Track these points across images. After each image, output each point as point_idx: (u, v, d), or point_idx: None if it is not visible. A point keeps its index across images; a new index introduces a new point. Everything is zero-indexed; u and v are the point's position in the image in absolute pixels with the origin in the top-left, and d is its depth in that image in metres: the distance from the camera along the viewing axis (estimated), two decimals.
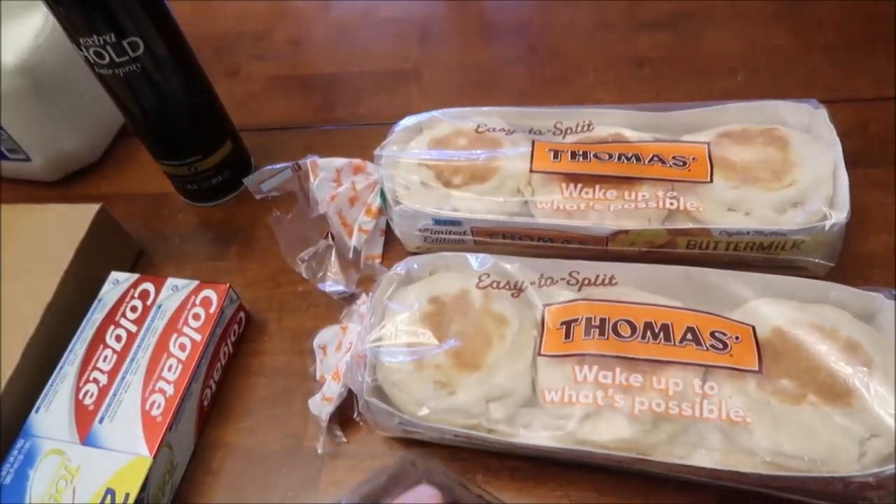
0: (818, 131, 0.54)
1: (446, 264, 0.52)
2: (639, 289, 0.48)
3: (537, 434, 0.43)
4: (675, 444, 0.42)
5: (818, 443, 0.39)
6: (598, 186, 0.52)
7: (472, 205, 0.54)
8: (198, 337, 0.52)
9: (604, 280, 0.48)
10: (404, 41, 0.79)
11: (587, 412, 0.42)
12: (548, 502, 0.45)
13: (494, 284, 0.48)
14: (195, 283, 0.55)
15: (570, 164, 0.53)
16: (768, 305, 0.45)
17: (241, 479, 0.50)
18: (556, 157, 0.54)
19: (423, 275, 0.52)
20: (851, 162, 0.57)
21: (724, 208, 0.51)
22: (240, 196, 0.67)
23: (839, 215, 0.48)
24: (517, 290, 0.48)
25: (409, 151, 0.57)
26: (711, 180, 0.51)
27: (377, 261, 0.59)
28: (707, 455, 0.41)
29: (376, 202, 0.58)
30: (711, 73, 0.68)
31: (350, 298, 0.55)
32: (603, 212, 0.52)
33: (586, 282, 0.48)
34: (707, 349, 0.43)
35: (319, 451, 0.49)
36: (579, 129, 0.57)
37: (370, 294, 0.50)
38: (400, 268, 0.51)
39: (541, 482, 0.46)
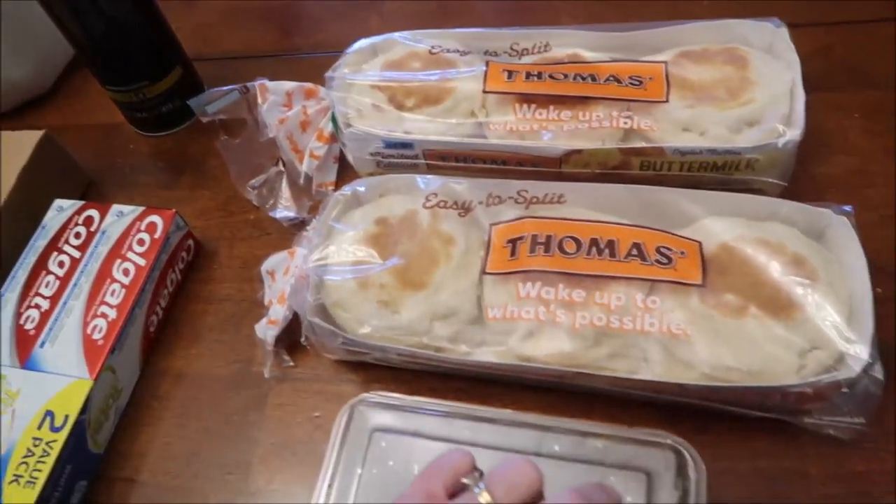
0: (779, 51, 0.52)
1: (396, 186, 0.51)
2: (589, 208, 0.47)
3: (480, 350, 0.43)
4: (617, 358, 0.41)
5: (758, 355, 0.39)
6: (552, 107, 0.51)
7: (424, 127, 0.53)
8: (142, 262, 0.51)
9: (552, 198, 0.47)
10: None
11: (530, 328, 0.42)
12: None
13: (441, 204, 0.47)
14: (141, 209, 0.54)
15: (524, 85, 0.52)
16: (717, 222, 0.45)
17: (187, 403, 0.49)
18: (510, 77, 0.52)
19: (373, 197, 0.51)
20: (814, 85, 0.55)
21: (679, 128, 0.50)
22: (193, 126, 0.65)
23: (793, 133, 0.47)
24: (465, 209, 0.47)
25: (361, 74, 0.56)
26: (667, 100, 0.50)
27: (330, 188, 0.58)
28: (648, 369, 0.41)
29: (328, 127, 0.57)
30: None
31: (301, 225, 0.54)
32: (557, 132, 0.50)
33: (534, 200, 0.47)
34: (652, 264, 0.42)
35: (266, 375, 0.49)
36: (536, 50, 0.55)
37: (315, 222, 0.49)
38: (346, 189, 0.50)
39: (486, 401, 0.45)
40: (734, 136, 0.49)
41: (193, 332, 0.53)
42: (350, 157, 0.56)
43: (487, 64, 0.54)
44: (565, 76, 0.52)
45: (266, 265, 0.51)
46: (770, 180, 0.49)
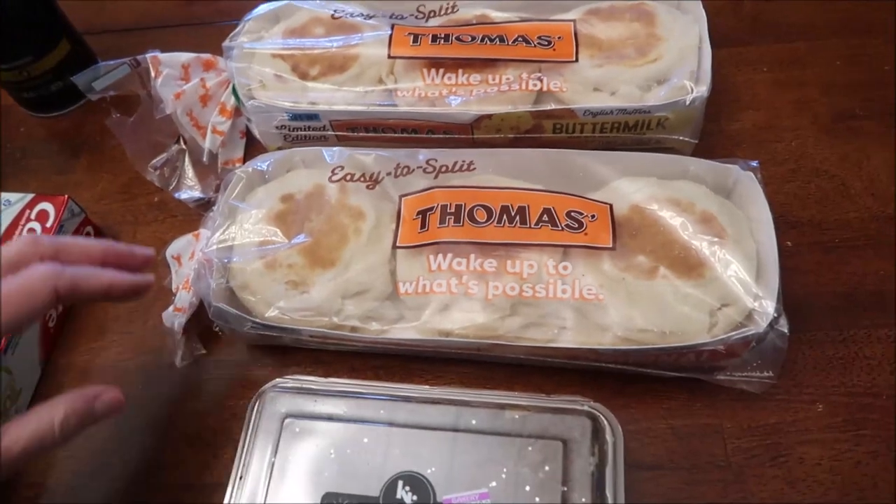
0: (686, 6, 0.52)
1: (302, 160, 0.49)
2: (500, 174, 0.46)
3: (393, 328, 0.42)
4: (533, 327, 0.41)
5: (669, 315, 0.39)
6: (460, 71, 0.50)
7: (330, 97, 0.51)
8: None
9: (462, 166, 0.45)
10: None
11: (444, 301, 0.41)
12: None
13: (349, 177, 0.46)
14: (30, 196, 0.50)
15: (431, 48, 0.50)
16: (629, 183, 0.44)
17: None
18: (416, 41, 0.50)
19: (278, 173, 0.48)
20: (724, 40, 0.56)
21: (589, 88, 0.49)
22: (89, 104, 0.61)
23: (700, 90, 0.46)
24: (373, 181, 0.46)
25: (261, 42, 0.53)
26: (577, 59, 0.49)
27: (238, 164, 0.55)
28: (564, 335, 0.41)
29: (231, 101, 0.54)
30: None
31: (208, 205, 0.52)
32: (467, 97, 0.49)
33: (444, 169, 0.46)
34: (562, 230, 0.41)
35: (178, 365, 0.47)
36: (443, 11, 0.54)
37: (220, 196, 0.47)
38: (248, 166, 0.47)
39: (407, 378, 0.45)
40: (644, 94, 0.48)
41: (98, 324, 0.50)
42: (256, 132, 0.54)
43: (392, 28, 0.51)
44: (473, 38, 0.50)
45: (171, 250, 0.48)
46: (681, 138, 0.49)
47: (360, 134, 0.51)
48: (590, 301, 0.40)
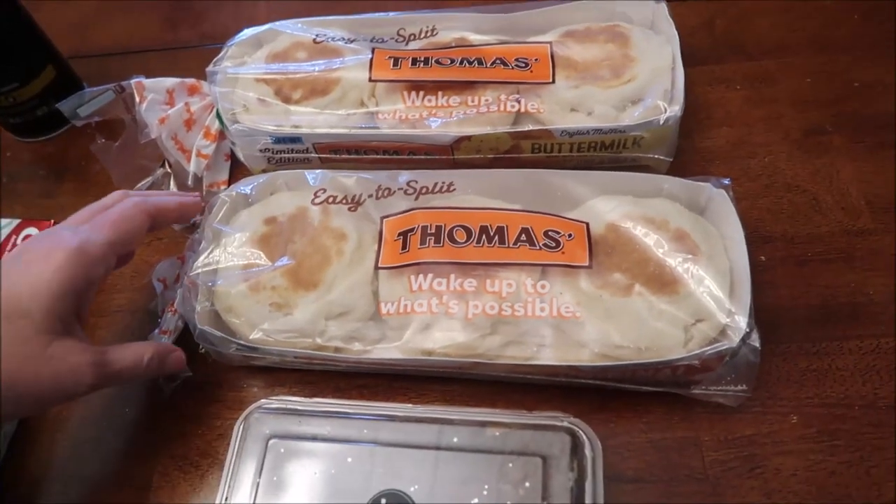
0: (660, 27, 0.53)
1: (285, 182, 0.49)
2: (479, 195, 0.47)
3: (376, 348, 0.42)
4: (513, 345, 0.42)
5: (645, 331, 0.40)
6: (440, 93, 0.51)
7: (312, 120, 0.51)
8: None
9: (441, 188, 0.46)
10: None
11: (425, 321, 0.42)
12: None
13: (331, 199, 0.46)
14: (16, 221, 0.51)
15: (411, 72, 0.51)
16: (604, 202, 0.45)
17: (81, 421, 0.47)
18: (396, 64, 0.51)
19: (262, 196, 0.49)
20: (698, 59, 0.57)
21: (566, 109, 0.50)
22: (74, 129, 0.62)
23: (673, 109, 0.48)
24: (355, 203, 0.46)
25: (245, 67, 0.54)
26: (553, 81, 0.50)
27: (223, 187, 0.56)
28: (543, 352, 0.41)
29: (215, 125, 0.55)
30: None
31: (193, 228, 0.52)
32: (446, 119, 0.50)
33: (424, 190, 0.46)
34: (540, 249, 0.42)
35: (163, 387, 0.47)
36: (423, 34, 0.55)
37: (201, 222, 0.47)
38: (231, 190, 0.48)
39: (391, 396, 0.45)
40: (619, 114, 0.49)
41: None
42: (240, 155, 0.55)
43: (373, 51, 0.52)
44: (452, 61, 0.51)
45: (156, 272, 0.49)
46: (656, 156, 0.50)
47: (343, 156, 0.52)
48: (567, 319, 0.41)
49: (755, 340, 0.39)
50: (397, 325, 0.42)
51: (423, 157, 0.51)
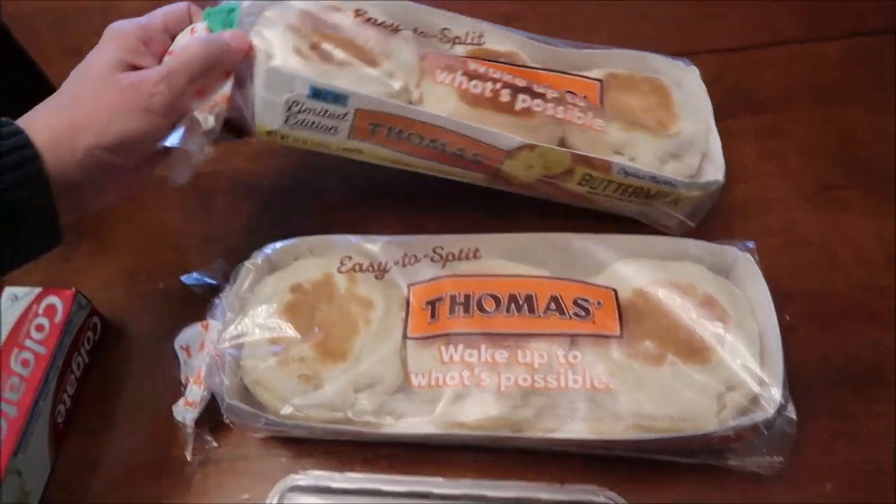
0: (689, 89, 0.54)
1: (309, 248, 0.49)
2: (504, 258, 0.47)
3: (407, 421, 0.42)
4: (545, 416, 0.42)
5: (679, 402, 0.40)
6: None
7: (357, 87, 0.45)
8: (42, 350, 0.47)
9: (468, 254, 0.47)
10: None
11: (456, 393, 0.42)
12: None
13: (357, 267, 0.46)
14: (37, 290, 0.50)
15: (463, 78, 0.49)
16: (630, 266, 0.46)
17: (105, 494, 0.47)
18: (447, 69, 0.50)
19: (287, 261, 0.49)
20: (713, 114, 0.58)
21: (610, 150, 0.50)
22: None
23: (718, 174, 0.48)
24: (380, 271, 0.47)
25: (282, 5, 0.47)
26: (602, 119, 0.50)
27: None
28: (576, 424, 0.41)
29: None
30: (578, 30, 0.67)
31: (213, 291, 0.52)
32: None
33: (450, 257, 0.47)
34: (570, 318, 0.43)
35: (189, 459, 0.47)
36: (470, 40, 0.54)
37: (229, 289, 0.47)
38: (256, 257, 0.48)
39: (420, 468, 0.45)
40: (662, 165, 0.50)
41: (107, 416, 0.50)
42: (255, 101, 0.45)
43: (424, 58, 0.50)
44: (504, 85, 0.49)
45: (179, 340, 0.48)
46: (682, 218, 0.50)
47: (379, 135, 0.47)
48: (600, 391, 0.41)
49: (791, 412, 0.39)
50: (428, 397, 0.42)
51: (469, 157, 0.48)
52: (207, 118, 0.44)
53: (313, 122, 0.46)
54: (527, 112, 0.49)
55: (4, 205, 0.37)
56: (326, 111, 0.45)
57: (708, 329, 0.42)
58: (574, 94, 0.51)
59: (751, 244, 0.45)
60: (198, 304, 0.53)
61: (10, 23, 0.58)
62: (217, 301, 0.49)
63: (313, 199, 0.58)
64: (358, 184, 0.59)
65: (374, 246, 0.47)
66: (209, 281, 0.53)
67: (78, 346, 0.50)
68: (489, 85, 0.49)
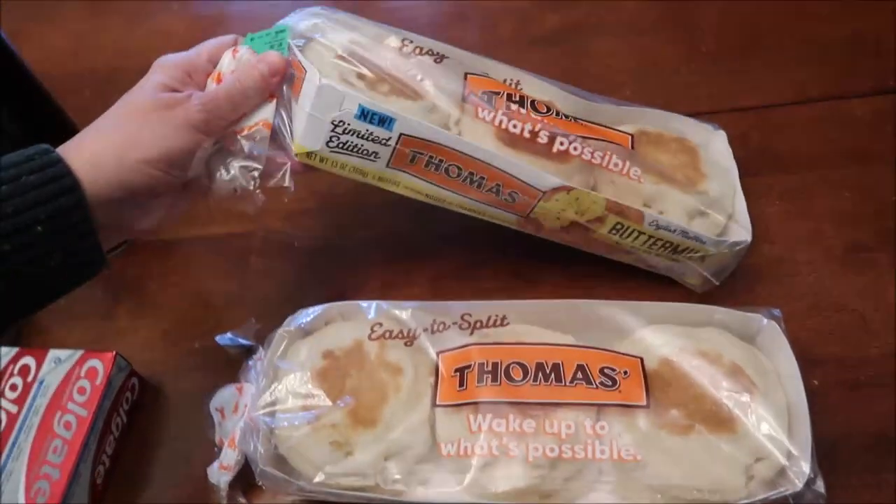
0: (716, 150, 0.55)
1: (340, 314, 0.51)
2: (531, 324, 0.48)
3: (436, 490, 0.43)
4: (573, 485, 0.42)
5: (707, 473, 0.40)
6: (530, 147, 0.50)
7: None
8: (84, 413, 0.49)
9: (496, 321, 0.47)
10: None
11: (484, 462, 0.42)
12: None
13: (387, 334, 0.48)
14: (79, 353, 0.52)
15: (502, 116, 0.50)
16: (656, 334, 0.46)
17: None
18: (489, 101, 0.50)
19: (318, 326, 0.50)
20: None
21: (640, 202, 0.51)
22: (128, 248, 0.64)
23: (745, 235, 0.49)
24: (410, 338, 0.47)
25: (329, 33, 0.49)
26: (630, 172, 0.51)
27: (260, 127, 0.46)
28: (604, 494, 0.42)
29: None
30: (601, 87, 0.68)
31: (248, 353, 0.54)
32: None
33: (478, 324, 0.48)
34: (597, 387, 0.43)
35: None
36: (508, 83, 0.55)
37: (263, 352, 0.49)
38: (290, 325, 0.49)
39: None
40: (690, 220, 0.51)
41: (144, 476, 0.51)
42: (299, 118, 0.45)
43: (465, 76, 0.51)
44: (541, 123, 0.50)
45: (214, 402, 0.50)
46: (708, 275, 0.51)
47: (419, 164, 0.47)
48: (627, 462, 0.41)
49: (820, 486, 0.39)
50: (457, 466, 0.43)
51: (504, 195, 0.48)
52: (247, 143, 0.45)
53: (355, 146, 0.46)
54: (564, 155, 0.50)
55: (46, 236, 0.38)
56: (371, 134, 0.45)
57: (735, 399, 0.42)
58: (610, 142, 0.52)
59: (777, 311, 0.46)
60: (232, 364, 0.55)
61: (53, 84, 0.61)
62: (250, 363, 0.51)
63: (344, 260, 0.60)
64: (388, 245, 0.60)
65: (403, 313, 0.48)
66: (242, 342, 0.55)
67: (118, 407, 0.52)
68: (528, 125, 0.50)
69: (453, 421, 0.44)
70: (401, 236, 0.61)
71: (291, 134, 0.46)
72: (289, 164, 0.47)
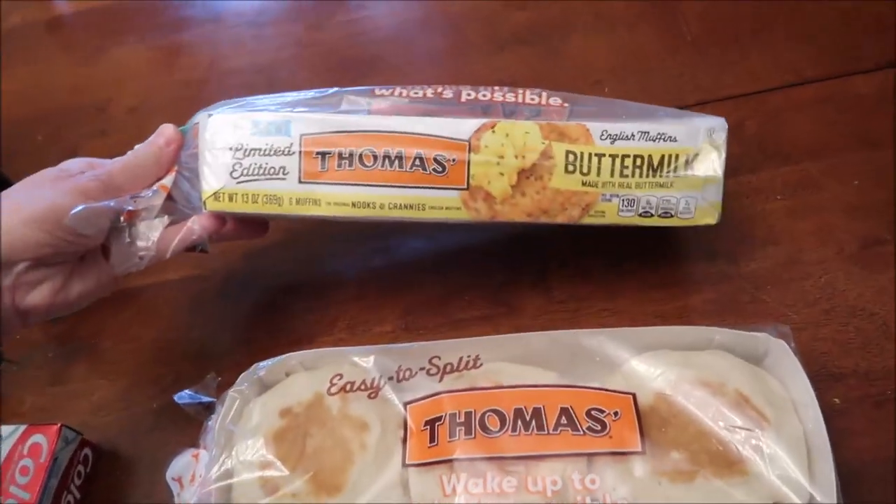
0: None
1: (300, 361, 0.46)
2: (508, 361, 0.43)
3: None
4: None
5: None
6: None
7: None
8: (27, 496, 0.45)
9: (468, 363, 0.42)
10: (252, 90, 0.72)
11: None
12: None
13: (348, 387, 0.43)
14: (22, 428, 0.48)
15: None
16: (649, 363, 0.41)
17: None
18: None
19: (278, 376, 0.46)
20: (730, 168, 0.52)
21: None
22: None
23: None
24: (374, 388, 0.42)
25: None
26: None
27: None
28: None
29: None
30: (579, 88, 0.63)
31: (208, 410, 0.49)
32: None
33: (448, 368, 0.42)
34: (584, 433, 0.38)
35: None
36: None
37: (213, 417, 0.44)
38: (241, 384, 0.44)
39: None
40: None
41: None
42: (203, 169, 0.45)
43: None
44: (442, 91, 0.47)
45: (171, 471, 0.45)
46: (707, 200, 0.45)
47: (329, 173, 0.44)
48: None
49: None
50: None
51: (431, 165, 0.43)
52: (145, 210, 0.45)
53: (260, 167, 0.44)
54: (474, 104, 0.46)
55: None
56: (272, 147, 0.44)
57: (743, 435, 0.36)
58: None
59: (785, 327, 0.40)
60: (193, 424, 0.50)
61: (7, 128, 0.57)
62: (209, 423, 0.46)
63: (309, 299, 0.55)
64: (356, 280, 0.55)
65: (366, 360, 0.43)
66: (203, 399, 0.50)
67: (67, 484, 0.47)
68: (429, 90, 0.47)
69: (426, 482, 0.39)
70: (369, 269, 0.56)
71: (201, 196, 0.46)
72: (201, 228, 0.47)
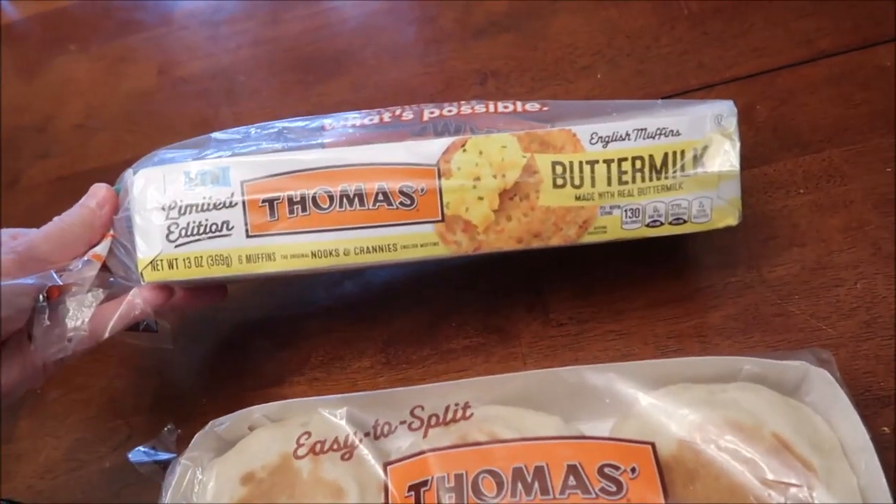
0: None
1: (265, 414, 0.40)
2: (501, 404, 0.37)
3: None
4: None
5: None
6: None
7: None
8: None
9: (456, 413, 0.36)
10: (209, 99, 0.66)
11: None
12: None
13: (318, 447, 0.36)
14: None
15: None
16: (667, 402, 0.35)
17: None
18: None
19: (239, 430, 0.40)
20: (745, 161, 0.46)
21: None
22: None
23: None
24: (348, 448, 0.36)
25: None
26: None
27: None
28: None
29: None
30: (567, 75, 0.57)
31: (164, 469, 0.43)
32: None
33: (434, 420, 0.36)
34: (597, 496, 0.32)
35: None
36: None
37: (164, 489, 0.38)
38: (192, 450, 0.38)
39: None
40: None
41: None
42: (136, 236, 0.39)
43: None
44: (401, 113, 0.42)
45: None
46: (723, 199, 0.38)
47: (281, 223, 0.38)
48: None
49: None
50: None
51: (398, 199, 0.37)
52: (76, 283, 0.39)
53: (200, 224, 0.38)
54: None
55: None
56: (210, 200, 0.38)
57: (785, 490, 0.30)
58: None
59: (826, 353, 0.34)
60: (149, 486, 0.44)
61: None
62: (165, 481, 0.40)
63: (278, 336, 0.49)
64: (329, 312, 0.49)
65: (337, 414, 0.37)
66: (159, 456, 0.44)
67: None
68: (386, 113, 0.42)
69: None
70: (343, 299, 0.49)
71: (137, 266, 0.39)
72: (144, 301, 0.40)
